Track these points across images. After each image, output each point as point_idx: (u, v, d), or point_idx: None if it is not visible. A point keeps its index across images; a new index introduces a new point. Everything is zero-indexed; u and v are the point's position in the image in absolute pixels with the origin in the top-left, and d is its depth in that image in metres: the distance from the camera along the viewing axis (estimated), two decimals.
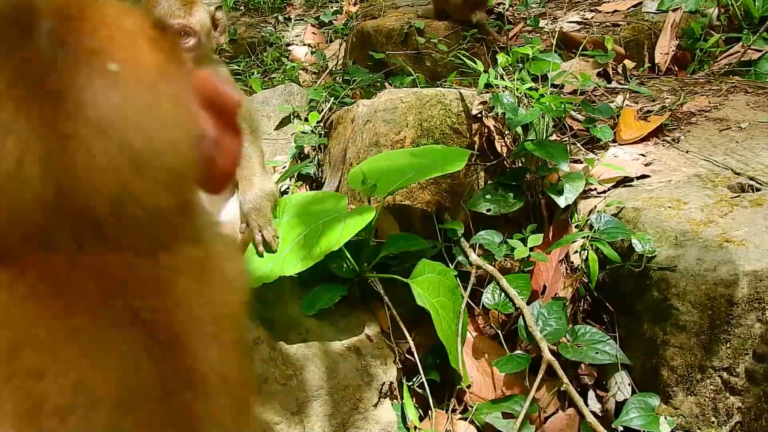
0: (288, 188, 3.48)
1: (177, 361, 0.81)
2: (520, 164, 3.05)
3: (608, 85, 3.88)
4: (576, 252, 2.74)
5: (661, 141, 3.16)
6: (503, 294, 2.72)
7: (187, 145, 0.84)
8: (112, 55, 0.79)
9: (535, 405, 2.58)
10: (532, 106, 2.98)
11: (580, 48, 3.82)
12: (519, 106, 3.00)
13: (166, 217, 0.83)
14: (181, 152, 0.83)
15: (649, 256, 2.45)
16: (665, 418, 2.34)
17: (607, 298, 2.64)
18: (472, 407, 2.64)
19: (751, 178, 2.67)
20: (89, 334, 0.77)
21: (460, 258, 2.88)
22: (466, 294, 2.79)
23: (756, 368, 2.23)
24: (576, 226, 2.79)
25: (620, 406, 2.45)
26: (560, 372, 2.44)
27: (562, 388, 2.49)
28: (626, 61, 4.15)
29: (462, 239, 2.90)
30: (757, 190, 2.62)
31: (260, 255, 2.43)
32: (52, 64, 0.76)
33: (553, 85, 3.41)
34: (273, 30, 6.30)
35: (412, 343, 2.68)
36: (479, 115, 3.02)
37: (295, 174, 3.61)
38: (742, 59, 4.02)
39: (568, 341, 2.59)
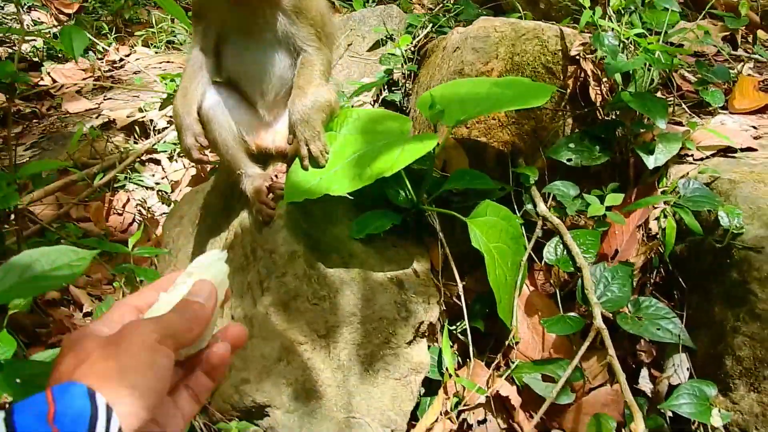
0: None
1: None
2: (614, 117, 2.78)
3: (733, 52, 3.53)
4: (656, 219, 2.49)
5: None
6: (566, 250, 2.51)
7: None
8: None
9: (579, 373, 2.38)
10: (637, 54, 2.70)
11: (708, 6, 3.46)
12: (623, 51, 2.72)
13: None
14: None
15: (736, 232, 2.19)
16: (719, 411, 2.10)
17: (681, 273, 2.40)
18: (513, 363, 2.46)
19: None
20: None
21: (528, 206, 2.66)
22: (529, 245, 2.59)
23: None
24: (662, 192, 2.54)
25: (673, 390, 2.22)
26: (608, 341, 2.22)
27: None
28: (759, 31, 3.76)
29: (534, 187, 2.68)
30: None
31: (305, 169, 2.29)
32: None
33: (669, 43, 3.09)
34: None
35: (460, 285, 2.50)
36: (577, 57, 2.75)
37: (379, 100, 3.46)
38: None
39: (630, 312, 2.37)
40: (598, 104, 2.75)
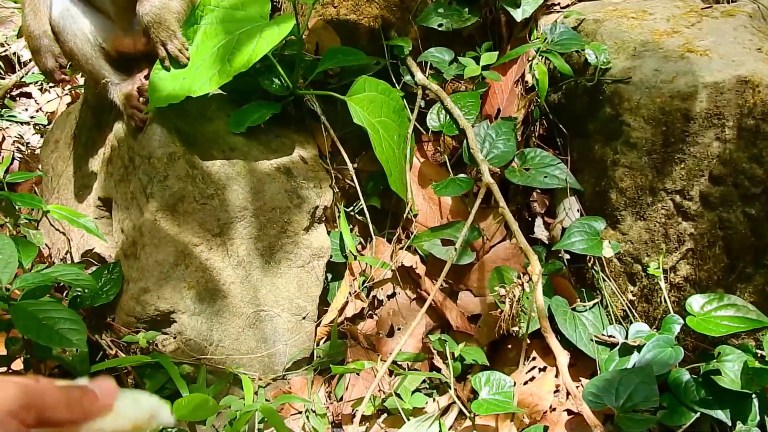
0: None
1: None
2: None
3: None
4: (531, 71, 2.51)
5: None
6: (448, 115, 2.51)
7: None
8: None
9: (477, 232, 2.43)
10: None
11: None
12: None
13: None
14: None
15: (603, 68, 2.22)
16: (609, 243, 2.18)
17: (561, 119, 2.44)
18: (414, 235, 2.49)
19: None
20: None
21: (407, 78, 2.64)
22: (413, 116, 2.58)
23: (711, 191, 2.04)
24: (534, 43, 2.55)
25: (566, 231, 2.29)
26: (497, 194, 2.26)
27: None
28: None
29: (409, 57, 2.65)
30: (733, 0, 2.35)
31: (166, 70, 2.18)
32: None
33: None
34: None
35: (350, 166, 2.49)
36: None
37: None
38: None
39: (517, 165, 2.41)
40: None
